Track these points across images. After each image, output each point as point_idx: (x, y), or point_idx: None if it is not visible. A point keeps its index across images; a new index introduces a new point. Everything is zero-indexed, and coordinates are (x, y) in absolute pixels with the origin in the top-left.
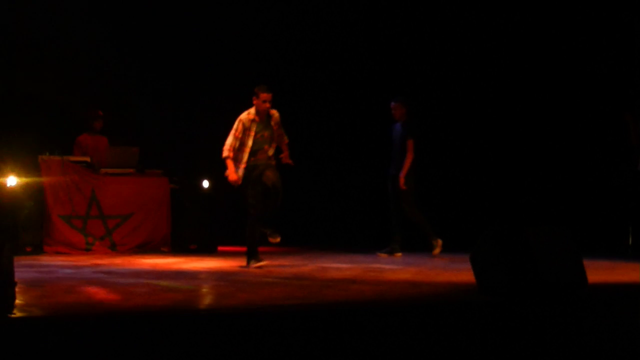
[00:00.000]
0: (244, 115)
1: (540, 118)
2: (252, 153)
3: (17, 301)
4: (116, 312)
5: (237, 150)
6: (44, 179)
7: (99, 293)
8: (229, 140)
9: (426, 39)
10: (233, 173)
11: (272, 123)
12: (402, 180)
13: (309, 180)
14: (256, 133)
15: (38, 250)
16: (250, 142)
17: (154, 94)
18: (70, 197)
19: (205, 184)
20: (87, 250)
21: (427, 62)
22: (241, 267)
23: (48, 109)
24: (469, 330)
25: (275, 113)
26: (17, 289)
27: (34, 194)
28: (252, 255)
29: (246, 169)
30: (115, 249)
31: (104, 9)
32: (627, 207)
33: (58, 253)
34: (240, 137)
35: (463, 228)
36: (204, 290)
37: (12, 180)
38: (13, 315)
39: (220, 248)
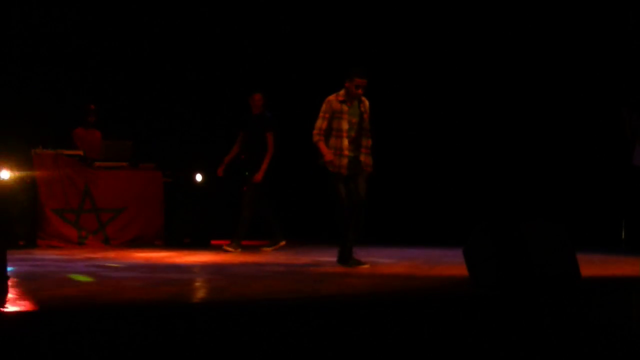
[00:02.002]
0: (332, 97)
1: (534, 112)
2: (348, 143)
3: (10, 295)
4: (109, 305)
5: (331, 137)
6: (37, 173)
7: (92, 287)
8: (317, 122)
9: (423, 36)
10: (328, 153)
11: (362, 110)
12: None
13: (304, 173)
14: (349, 117)
15: (31, 244)
16: (345, 126)
17: (148, 88)
18: (63, 191)
19: (199, 177)
20: (80, 244)
21: (423, 58)
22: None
23: (41, 102)
24: (463, 323)
25: (366, 101)
26: (9, 283)
27: (27, 187)
28: (346, 255)
29: (338, 163)
30: (108, 242)
31: (98, 3)
32: (621, 201)
33: (51, 247)
34: (329, 118)
35: (457, 221)
36: (198, 283)
37: (5, 174)
38: (5, 309)
39: (213, 242)
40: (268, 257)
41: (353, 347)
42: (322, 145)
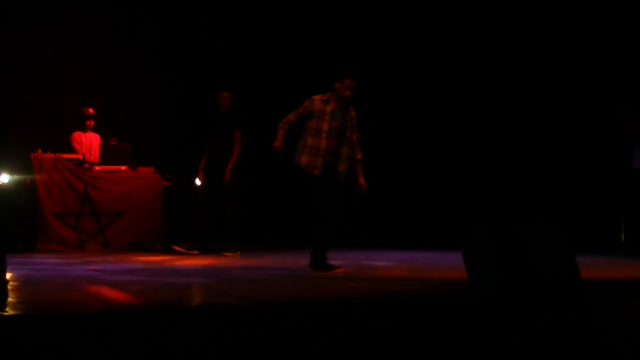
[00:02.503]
0: (317, 96)
1: (533, 114)
2: (327, 145)
3: (10, 299)
4: (109, 309)
5: (309, 136)
6: (36, 177)
7: (91, 290)
8: (290, 114)
9: (422, 37)
10: (279, 141)
11: (347, 118)
12: (228, 174)
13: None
14: (331, 120)
15: (30, 247)
16: (326, 127)
17: (147, 91)
18: (62, 195)
19: (198, 181)
20: (79, 247)
21: (422, 61)
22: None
23: (40, 106)
24: (462, 325)
25: (352, 111)
26: (9, 287)
27: (27, 191)
28: (321, 261)
29: (324, 163)
30: (107, 246)
31: (97, 6)
32: (621, 204)
33: (50, 250)
34: (305, 116)
35: (456, 224)
36: (197, 287)
37: (4, 178)
38: (5, 313)
39: (213, 246)
40: (267, 260)
41: (353, 351)
42: (280, 133)
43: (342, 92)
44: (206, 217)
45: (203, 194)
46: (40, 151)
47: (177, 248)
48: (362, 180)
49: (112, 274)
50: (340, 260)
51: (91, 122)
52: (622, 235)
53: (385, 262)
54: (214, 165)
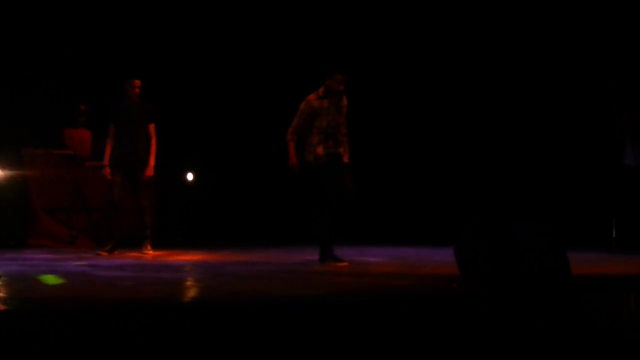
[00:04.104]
0: (311, 96)
1: (525, 112)
2: (325, 139)
3: (1, 294)
4: (100, 305)
5: (313, 134)
6: (28, 172)
7: (83, 286)
8: (294, 121)
9: (418, 35)
10: (293, 157)
11: (341, 105)
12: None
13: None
14: (328, 115)
15: (22, 243)
16: (324, 123)
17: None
18: (54, 191)
19: (190, 176)
20: (71, 243)
21: (417, 58)
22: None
23: (31, 102)
24: (453, 321)
25: (345, 99)
26: (0, 282)
27: (18, 187)
28: (327, 254)
29: (320, 157)
30: (99, 242)
31: (92, 4)
32: (612, 200)
33: (42, 246)
34: (308, 118)
35: (447, 220)
36: (189, 283)
37: None
38: None
39: (204, 241)
40: (259, 256)
41: (344, 346)
42: (291, 147)
43: (335, 87)
44: (118, 215)
45: (118, 191)
46: (31, 147)
47: (102, 253)
48: (346, 158)
49: (104, 269)
50: None
51: (83, 118)
52: (613, 232)
53: (377, 258)
54: (128, 159)
